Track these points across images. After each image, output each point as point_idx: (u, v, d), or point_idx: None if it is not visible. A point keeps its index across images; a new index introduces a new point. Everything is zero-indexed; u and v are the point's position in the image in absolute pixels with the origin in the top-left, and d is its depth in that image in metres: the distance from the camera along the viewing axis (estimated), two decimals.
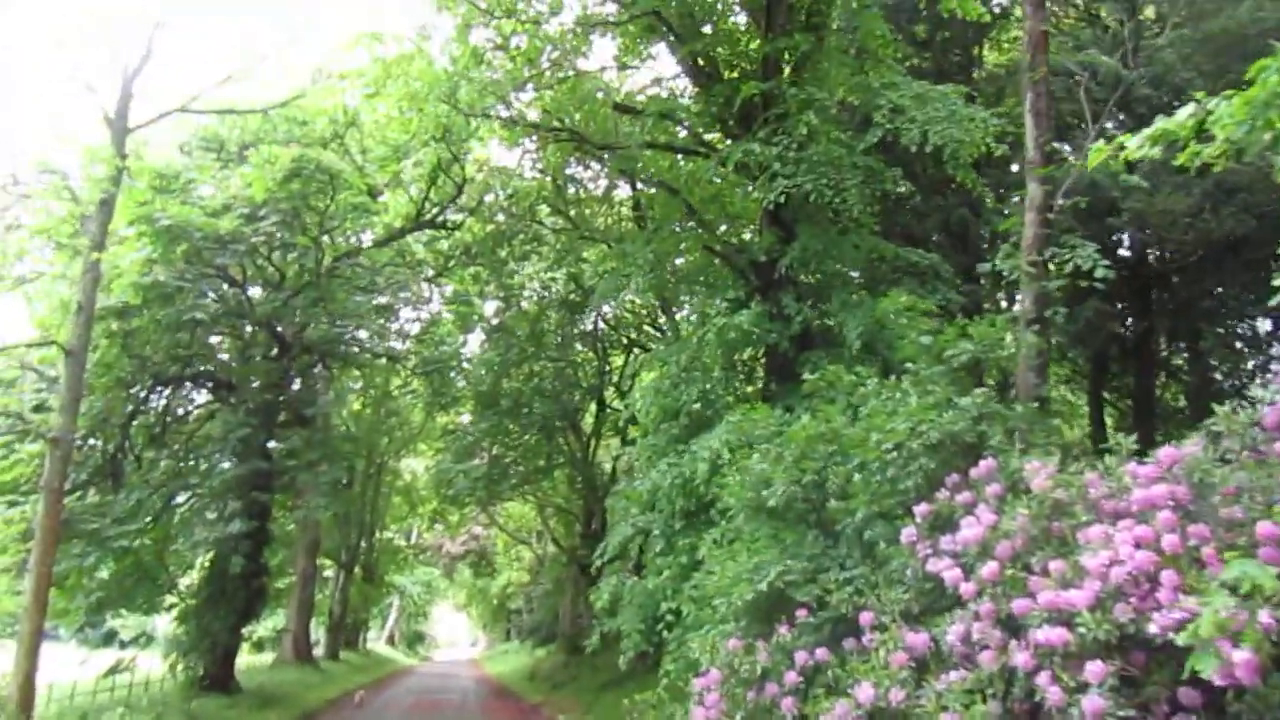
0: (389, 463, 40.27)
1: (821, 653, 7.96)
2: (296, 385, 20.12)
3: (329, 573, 41.41)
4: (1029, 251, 9.73)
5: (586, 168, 23.49)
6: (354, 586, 41.32)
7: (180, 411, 18.87)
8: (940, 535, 7.74)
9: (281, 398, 18.36)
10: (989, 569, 6.59)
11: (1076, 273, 9.59)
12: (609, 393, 29.37)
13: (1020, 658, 5.88)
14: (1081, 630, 5.41)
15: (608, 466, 32.27)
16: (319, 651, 38.80)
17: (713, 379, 13.74)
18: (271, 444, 18.54)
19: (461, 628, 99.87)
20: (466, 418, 29.12)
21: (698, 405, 13.81)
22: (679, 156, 17.09)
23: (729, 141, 15.41)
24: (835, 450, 9.21)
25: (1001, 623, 6.53)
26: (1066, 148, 9.77)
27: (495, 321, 26.31)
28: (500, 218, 23.49)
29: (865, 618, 7.77)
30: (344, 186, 16.58)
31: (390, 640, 69.63)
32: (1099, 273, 8.93)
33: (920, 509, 7.99)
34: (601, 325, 26.80)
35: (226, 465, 16.27)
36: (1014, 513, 6.89)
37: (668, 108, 15.09)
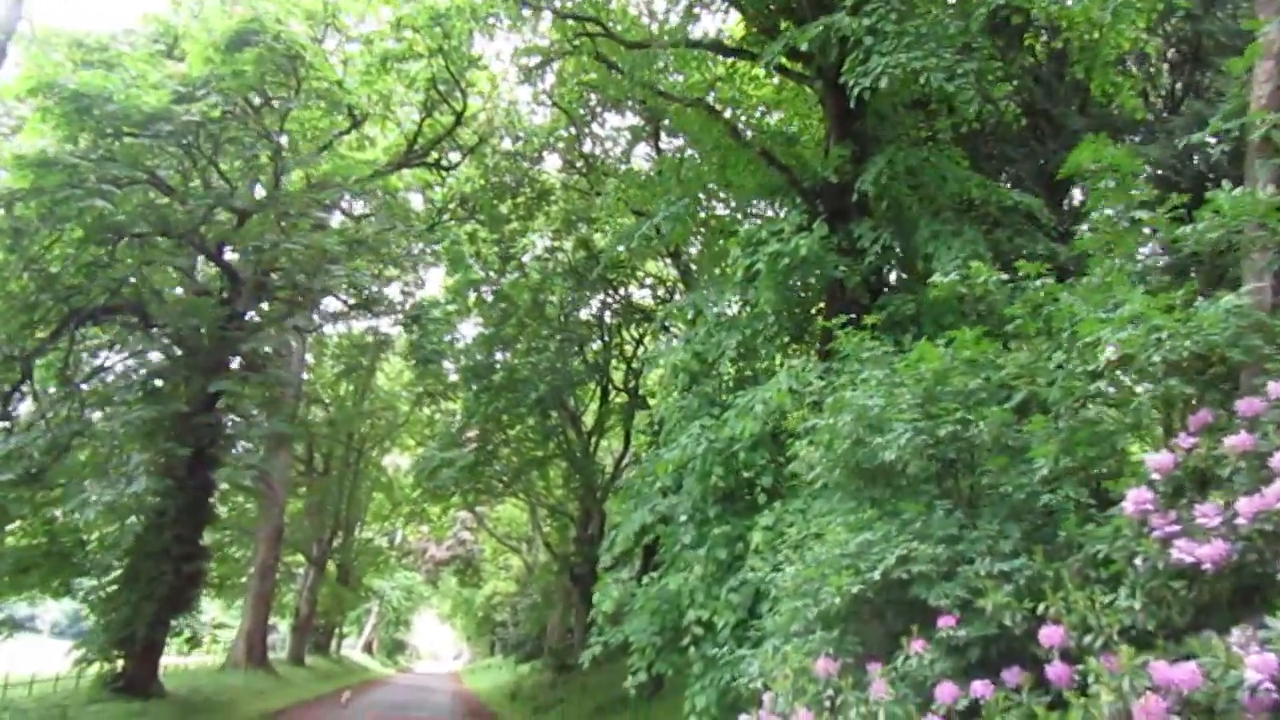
0: (371, 452, 37.10)
1: (981, 688, 4.88)
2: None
3: (300, 570, 38.15)
4: (1267, 111, 6.68)
5: (604, 117, 20.55)
6: (326, 586, 37.99)
7: (103, 356, 15.57)
8: (1194, 502, 4.64)
9: (230, 346, 15.13)
10: None
11: None
12: (616, 376, 26.27)
13: None
14: None
15: (609, 467, 29.13)
16: (282, 655, 35.50)
17: (763, 324, 10.64)
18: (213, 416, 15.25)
19: (445, 639, 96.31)
20: (458, 414, 25.97)
21: (739, 357, 10.74)
22: (722, 69, 14.15)
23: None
24: (981, 387, 6.12)
25: None
26: None
27: (492, 289, 23.16)
28: (504, 164, 20.46)
29: (1052, 635, 4.69)
30: (313, 76, 13.45)
31: (368, 648, 66.06)
32: None
33: (1158, 461, 4.93)
34: (612, 301, 23.65)
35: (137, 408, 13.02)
36: None
37: None
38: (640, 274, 24.55)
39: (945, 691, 4.91)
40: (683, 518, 9.88)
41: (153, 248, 14.03)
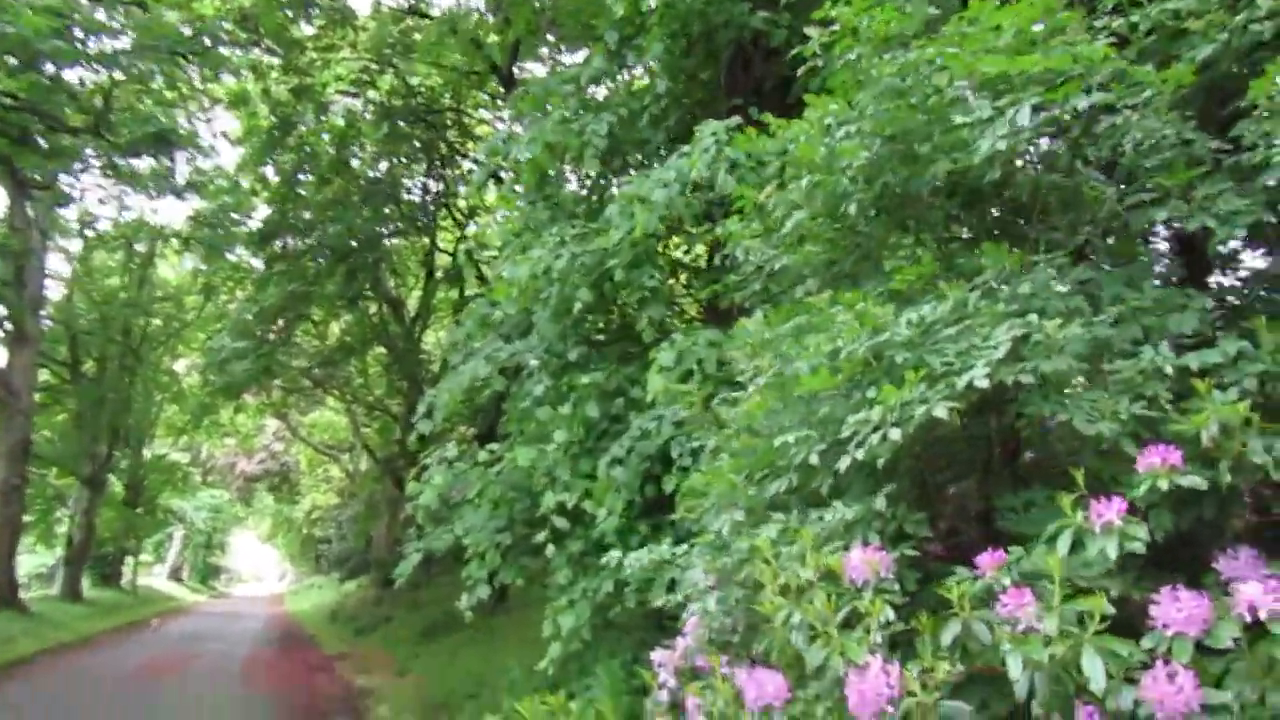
0: (156, 355, 31.81)
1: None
2: None
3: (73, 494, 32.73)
4: None
5: None
6: (109, 509, 32.80)
7: None
8: None
9: None
10: None
11: None
12: (444, 239, 22.67)
13: None
14: None
15: (436, 358, 25.65)
16: (52, 590, 30.51)
17: (649, 99, 7.58)
18: None
19: (268, 561, 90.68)
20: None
21: (610, 150, 7.66)
22: None
23: None
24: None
25: None
26: None
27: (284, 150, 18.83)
28: None
29: None
30: None
31: (175, 575, 60.14)
32: None
33: None
34: (436, 141, 19.75)
35: None
36: None
37: None
38: (472, 125, 20.81)
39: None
40: (533, 362, 6.84)
41: None
